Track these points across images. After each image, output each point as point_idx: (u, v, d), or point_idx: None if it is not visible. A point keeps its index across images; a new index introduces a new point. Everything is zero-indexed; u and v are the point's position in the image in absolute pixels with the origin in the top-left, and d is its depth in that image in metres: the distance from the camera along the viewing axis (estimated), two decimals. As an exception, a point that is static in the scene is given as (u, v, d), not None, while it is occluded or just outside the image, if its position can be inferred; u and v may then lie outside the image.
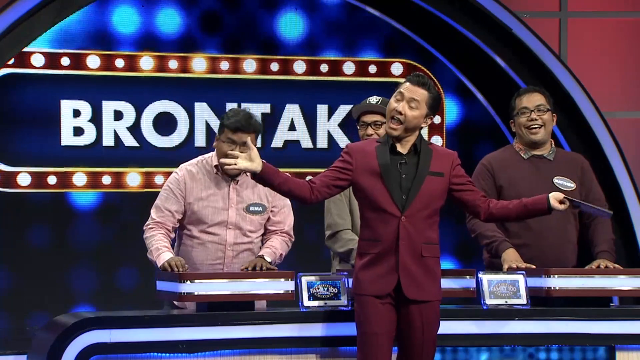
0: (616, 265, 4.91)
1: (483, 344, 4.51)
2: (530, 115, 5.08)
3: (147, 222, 4.76)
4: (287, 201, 4.84)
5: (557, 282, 4.63)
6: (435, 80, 6.99)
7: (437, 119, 7.01)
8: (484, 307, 4.58)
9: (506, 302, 4.58)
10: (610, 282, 4.69)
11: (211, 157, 4.80)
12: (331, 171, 4.29)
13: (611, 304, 4.83)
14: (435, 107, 4.30)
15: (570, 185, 5.07)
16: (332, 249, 4.93)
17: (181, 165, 4.84)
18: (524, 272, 4.67)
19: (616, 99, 7.02)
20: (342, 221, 4.88)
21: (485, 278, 4.61)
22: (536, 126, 5.07)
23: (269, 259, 4.69)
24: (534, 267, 4.82)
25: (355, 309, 4.27)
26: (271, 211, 4.81)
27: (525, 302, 4.59)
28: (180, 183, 4.76)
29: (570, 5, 6.96)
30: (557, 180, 5.07)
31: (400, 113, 4.24)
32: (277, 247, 4.77)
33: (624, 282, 4.71)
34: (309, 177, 4.85)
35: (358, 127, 5.01)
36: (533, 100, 5.10)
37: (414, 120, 4.25)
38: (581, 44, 6.97)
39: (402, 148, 4.28)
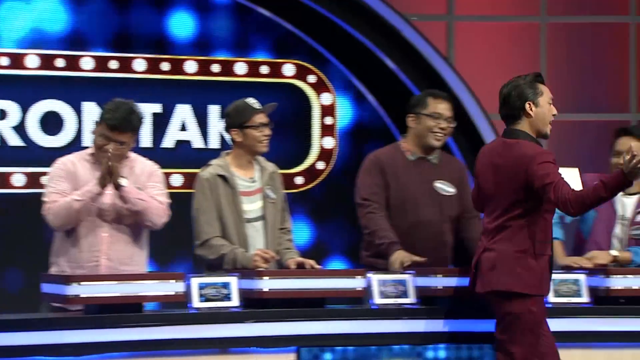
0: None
1: (372, 343, 4.54)
2: (441, 123, 5.12)
3: (47, 203, 4.70)
4: (163, 186, 4.89)
5: (444, 282, 4.69)
6: (327, 81, 7.03)
7: (329, 120, 7.05)
8: (373, 307, 4.62)
9: (395, 301, 4.63)
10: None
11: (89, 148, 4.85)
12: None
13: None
14: None
15: (451, 190, 5.15)
16: (202, 256, 4.90)
17: (57, 159, 4.85)
18: (413, 271, 4.73)
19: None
20: (211, 229, 4.85)
21: (375, 278, 4.65)
22: (442, 134, 5.12)
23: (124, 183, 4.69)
24: (424, 259, 4.87)
25: (531, 311, 4.31)
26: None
27: (414, 301, 4.64)
28: (63, 169, 4.78)
29: (457, 9, 7.07)
30: (438, 184, 5.14)
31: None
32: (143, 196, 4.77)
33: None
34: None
35: (242, 131, 4.94)
36: (447, 108, 5.15)
37: None
38: (468, 47, 7.09)
39: None
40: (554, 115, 4.43)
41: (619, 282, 4.75)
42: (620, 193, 5.09)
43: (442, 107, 5.14)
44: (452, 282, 4.70)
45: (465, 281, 4.69)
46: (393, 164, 5.13)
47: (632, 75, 7.21)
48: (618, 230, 5.13)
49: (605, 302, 4.76)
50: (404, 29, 6.82)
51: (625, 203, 5.13)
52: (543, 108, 4.40)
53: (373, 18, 6.80)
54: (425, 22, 6.97)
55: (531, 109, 4.39)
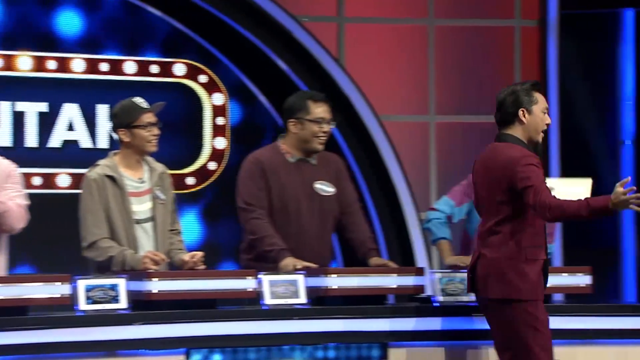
0: (391, 263, 5.09)
1: (263, 344, 4.53)
2: (324, 127, 5.10)
3: None
4: (21, 187, 4.76)
5: (336, 282, 4.72)
6: (218, 81, 7.00)
7: (221, 120, 7.03)
8: (264, 307, 4.62)
9: (286, 301, 4.64)
10: (386, 281, 4.82)
11: None
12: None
13: (386, 302, 4.98)
14: None
15: (330, 189, 5.16)
16: (90, 258, 4.83)
17: None
18: (304, 272, 4.74)
19: (392, 102, 7.24)
20: (98, 231, 4.78)
21: (266, 278, 4.65)
22: (325, 137, 5.13)
23: None
24: (315, 266, 4.91)
25: (530, 315, 4.38)
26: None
27: (304, 301, 4.66)
28: None
29: (347, 11, 7.12)
30: (318, 185, 5.15)
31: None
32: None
33: (398, 281, 4.85)
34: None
35: (129, 130, 4.88)
36: (328, 110, 5.14)
37: None
38: (359, 49, 7.15)
39: None
40: (547, 124, 4.49)
41: (337, 282, 4.75)
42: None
43: (324, 110, 5.13)
44: (343, 282, 4.73)
45: (354, 280, 4.74)
46: (274, 166, 5.10)
47: (517, 77, 7.37)
48: (503, 229, 5.22)
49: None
50: (295, 30, 6.84)
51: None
52: (536, 117, 4.46)
53: (264, 19, 6.80)
54: (316, 23, 7.00)
55: (524, 116, 4.45)
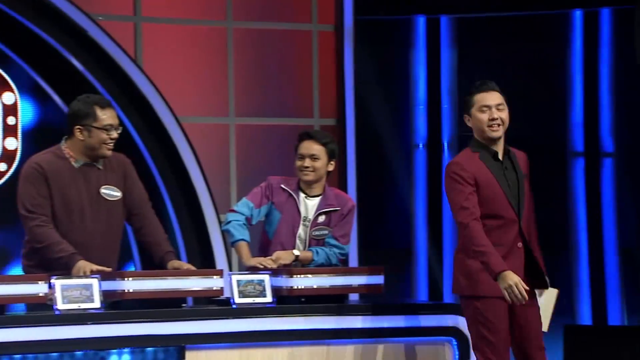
0: (189, 265, 5.07)
1: (54, 349, 4.43)
2: (113, 133, 4.98)
3: None
4: None
5: (132, 285, 4.66)
6: (9, 80, 6.78)
7: (11, 120, 6.81)
8: (57, 312, 4.50)
9: (79, 306, 4.54)
10: (184, 283, 4.79)
11: None
12: (471, 194, 4.49)
13: (184, 305, 4.95)
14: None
15: (117, 194, 5.07)
16: None
17: None
18: (98, 276, 4.66)
19: (191, 104, 7.22)
20: None
21: (59, 283, 4.55)
22: (112, 143, 5.01)
23: None
24: (109, 269, 4.83)
25: (473, 312, 4.51)
26: None
27: (99, 305, 4.57)
28: None
29: (144, 10, 7.05)
30: (104, 190, 5.05)
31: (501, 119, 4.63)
32: None
33: (197, 283, 4.84)
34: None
35: None
36: (115, 115, 5.02)
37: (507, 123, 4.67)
38: (156, 49, 7.09)
39: (500, 155, 4.63)
40: (493, 119, 4.63)
41: (300, 282, 4.91)
42: (303, 195, 5.30)
43: (111, 117, 5.02)
44: (139, 285, 4.67)
45: (151, 284, 4.70)
46: (57, 171, 4.95)
47: (315, 81, 7.49)
48: (301, 231, 5.31)
49: (288, 302, 4.90)
50: (90, 29, 6.72)
51: (308, 205, 5.32)
52: (475, 118, 4.65)
53: (57, 16, 6.64)
54: (112, 22, 6.89)
55: (469, 120, 4.70)
